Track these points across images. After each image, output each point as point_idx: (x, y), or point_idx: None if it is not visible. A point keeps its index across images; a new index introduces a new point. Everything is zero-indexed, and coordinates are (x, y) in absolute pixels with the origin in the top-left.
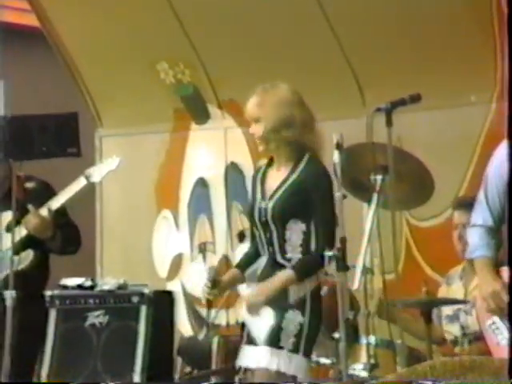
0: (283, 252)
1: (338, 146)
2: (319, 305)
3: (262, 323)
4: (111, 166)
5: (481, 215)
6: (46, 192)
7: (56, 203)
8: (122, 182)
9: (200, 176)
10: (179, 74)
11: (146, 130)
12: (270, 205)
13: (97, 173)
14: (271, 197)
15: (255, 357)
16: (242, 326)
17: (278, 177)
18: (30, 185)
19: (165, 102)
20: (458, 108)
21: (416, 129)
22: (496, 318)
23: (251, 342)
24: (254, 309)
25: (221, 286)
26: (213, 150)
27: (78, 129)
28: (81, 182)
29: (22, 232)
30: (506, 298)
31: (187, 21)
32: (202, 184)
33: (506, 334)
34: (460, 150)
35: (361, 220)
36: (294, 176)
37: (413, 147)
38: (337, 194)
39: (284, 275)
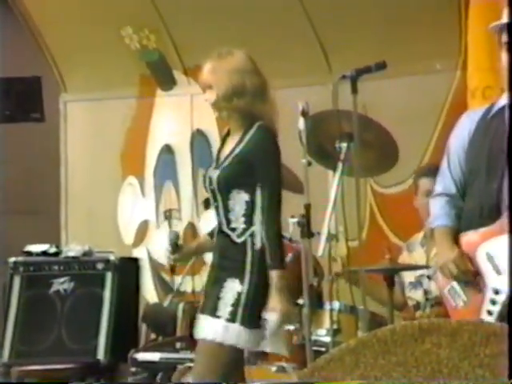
0: (228, 221)
1: (304, 113)
2: (262, 274)
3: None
4: None
5: (443, 184)
6: None
7: None
8: (87, 148)
9: (166, 143)
10: (144, 40)
11: (112, 95)
12: (216, 174)
13: None
14: (219, 166)
15: (200, 327)
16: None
17: (230, 145)
18: None
19: (130, 68)
20: (424, 75)
21: (381, 96)
22: (454, 283)
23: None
24: (287, 321)
25: (184, 251)
26: (179, 117)
27: (42, 93)
28: None
29: None
30: (462, 264)
31: None
32: (167, 151)
33: (463, 297)
34: (425, 118)
35: (326, 187)
36: (242, 145)
37: (378, 115)
38: (302, 161)
39: (275, 279)
